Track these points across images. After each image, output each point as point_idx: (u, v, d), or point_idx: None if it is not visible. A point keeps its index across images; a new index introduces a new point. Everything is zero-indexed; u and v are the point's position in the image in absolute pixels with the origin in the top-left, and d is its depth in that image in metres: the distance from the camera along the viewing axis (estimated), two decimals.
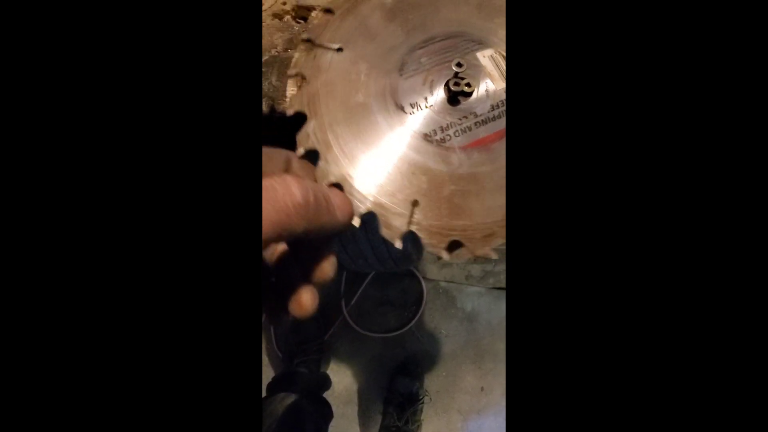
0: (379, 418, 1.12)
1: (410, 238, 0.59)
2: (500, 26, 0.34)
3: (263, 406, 0.76)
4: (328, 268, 0.23)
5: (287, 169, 0.22)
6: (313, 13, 0.32)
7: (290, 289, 0.22)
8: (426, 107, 0.31)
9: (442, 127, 0.30)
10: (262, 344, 1.19)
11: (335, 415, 0.94)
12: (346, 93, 0.31)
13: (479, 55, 0.33)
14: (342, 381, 1.18)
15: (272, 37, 0.33)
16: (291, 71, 0.31)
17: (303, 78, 0.30)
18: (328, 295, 1.25)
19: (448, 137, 0.30)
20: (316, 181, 0.22)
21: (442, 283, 1.27)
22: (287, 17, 0.34)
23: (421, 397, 1.12)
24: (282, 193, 0.18)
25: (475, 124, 0.31)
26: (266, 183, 0.18)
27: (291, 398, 0.79)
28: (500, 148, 0.31)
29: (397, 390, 1.10)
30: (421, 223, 0.28)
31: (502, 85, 0.32)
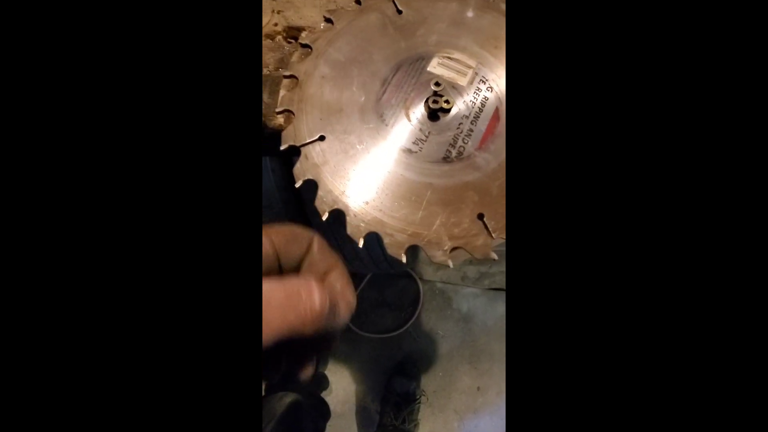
0: (376, 418, 1.14)
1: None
2: (422, 37, 0.36)
3: (262, 405, 0.78)
4: (310, 370, 0.24)
5: (308, 249, 0.24)
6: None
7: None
8: (427, 139, 0.32)
9: (451, 143, 0.32)
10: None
11: (333, 414, 0.96)
12: (344, 148, 0.32)
13: (430, 68, 0.34)
14: (340, 381, 1.20)
15: (264, 56, 0.35)
16: (278, 108, 0.32)
17: (291, 113, 0.32)
18: None
19: (462, 148, 0.32)
20: (335, 263, 0.24)
21: (439, 284, 1.29)
22: (278, 38, 0.36)
23: (417, 397, 1.13)
24: (305, 300, 0.19)
25: (471, 122, 0.33)
26: (293, 287, 0.19)
27: (290, 397, 0.81)
28: (503, 127, 0.33)
29: (395, 390, 1.12)
30: (496, 226, 0.29)
31: (466, 79, 0.34)
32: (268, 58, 0.35)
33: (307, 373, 0.24)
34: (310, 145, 0.31)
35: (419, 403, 1.14)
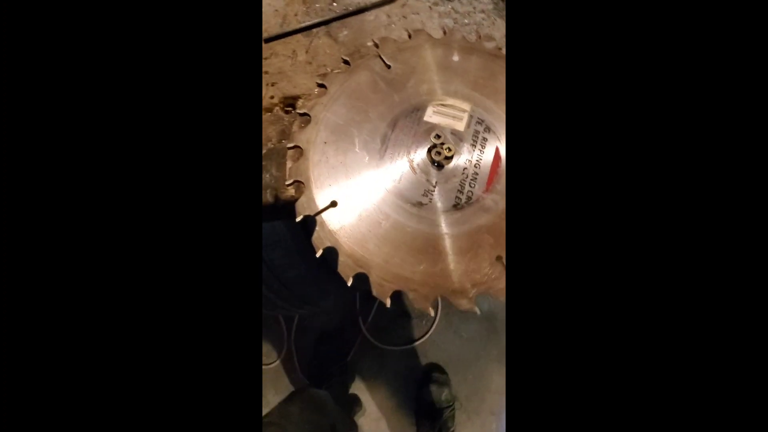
0: (413, 430, 1.15)
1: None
2: (413, 87, 0.37)
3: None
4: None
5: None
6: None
7: None
8: (435, 189, 0.33)
9: (459, 189, 0.33)
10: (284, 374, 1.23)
11: None
12: (357, 211, 0.33)
13: (426, 118, 0.36)
14: (371, 399, 1.21)
15: (266, 131, 0.36)
16: (288, 181, 0.33)
17: (301, 183, 0.33)
18: (345, 315, 1.28)
19: (470, 192, 0.33)
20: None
21: None
22: (276, 109, 0.37)
23: (451, 403, 1.14)
24: None
25: (475, 166, 0.34)
26: None
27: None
28: (504, 166, 0.34)
29: (427, 399, 1.13)
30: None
31: (462, 123, 0.35)
32: (270, 132, 0.36)
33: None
34: (324, 213, 0.32)
35: (454, 409, 1.15)
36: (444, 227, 0.32)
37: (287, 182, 0.33)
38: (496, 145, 0.34)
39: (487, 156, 0.34)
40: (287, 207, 0.34)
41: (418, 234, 0.32)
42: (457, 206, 0.33)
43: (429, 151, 0.34)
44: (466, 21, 0.43)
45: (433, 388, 1.15)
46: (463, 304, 0.30)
